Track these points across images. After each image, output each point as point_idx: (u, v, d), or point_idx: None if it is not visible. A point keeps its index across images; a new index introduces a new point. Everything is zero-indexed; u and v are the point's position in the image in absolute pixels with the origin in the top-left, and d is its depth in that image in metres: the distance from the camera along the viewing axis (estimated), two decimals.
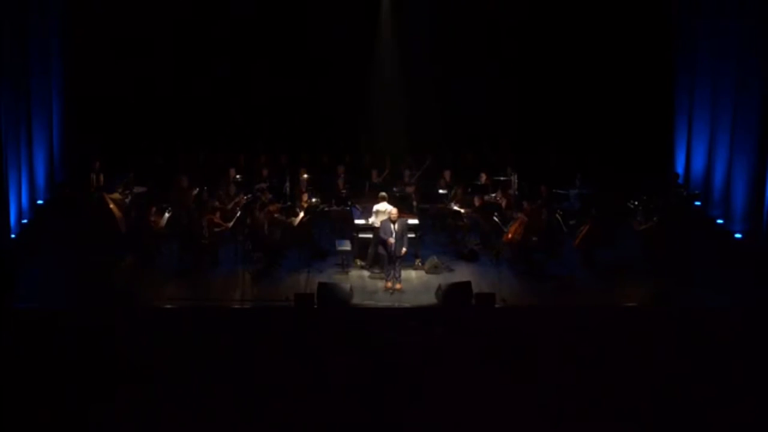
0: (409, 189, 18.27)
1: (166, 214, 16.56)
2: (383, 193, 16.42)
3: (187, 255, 16.20)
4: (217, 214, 16.43)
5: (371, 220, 16.22)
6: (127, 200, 17.35)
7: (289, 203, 17.47)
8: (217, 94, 21.60)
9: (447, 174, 18.89)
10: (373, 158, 20.37)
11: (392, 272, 15.31)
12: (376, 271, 16.01)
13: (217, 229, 16.25)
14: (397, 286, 15.30)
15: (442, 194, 18.22)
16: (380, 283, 15.60)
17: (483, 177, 18.66)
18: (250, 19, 21.46)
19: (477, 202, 17.29)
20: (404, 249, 15.31)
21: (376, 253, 15.99)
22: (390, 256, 15.25)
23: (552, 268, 16.13)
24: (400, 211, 15.64)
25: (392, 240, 15.13)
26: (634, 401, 11.47)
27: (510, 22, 21.39)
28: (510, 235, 16.18)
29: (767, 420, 11.18)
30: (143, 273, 15.85)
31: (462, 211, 17.18)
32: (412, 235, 15.98)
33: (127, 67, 21.05)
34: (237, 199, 17.37)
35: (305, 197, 17.24)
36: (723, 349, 12.68)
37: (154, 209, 16.43)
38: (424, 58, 21.32)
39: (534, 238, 15.97)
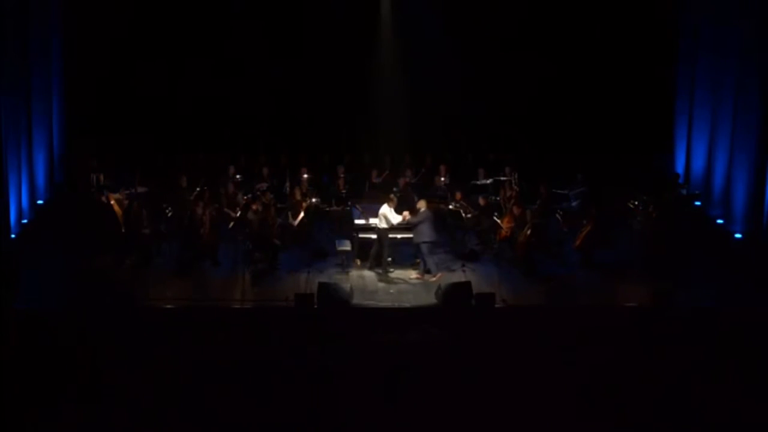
0: (402, 181, 18.35)
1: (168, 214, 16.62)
2: (391, 196, 16.38)
3: (187, 255, 16.21)
4: (210, 212, 16.39)
5: (373, 221, 16.20)
6: (126, 201, 17.35)
7: (289, 203, 17.47)
8: (217, 94, 21.59)
9: (443, 169, 18.94)
10: (373, 158, 20.37)
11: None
12: (378, 271, 16.02)
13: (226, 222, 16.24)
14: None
15: (441, 194, 18.23)
16: (380, 284, 15.62)
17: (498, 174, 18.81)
18: (250, 18, 21.46)
19: (482, 201, 17.29)
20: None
21: (378, 253, 16.01)
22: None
23: (552, 268, 16.13)
24: (400, 212, 15.75)
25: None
26: (634, 401, 11.47)
27: (509, 22, 21.38)
28: (503, 231, 16.23)
29: (766, 419, 11.19)
30: (143, 273, 15.85)
31: (463, 213, 17.18)
32: (411, 235, 16.09)
33: (127, 66, 21.06)
34: (237, 199, 17.42)
35: (297, 193, 17.25)
36: (723, 349, 12.68)
37: (135, 204, 16.40)
38: (424, 58, 21.29)
39: (533, 240, 15.96)
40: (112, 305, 14.23)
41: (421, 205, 15.90)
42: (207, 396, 11.49)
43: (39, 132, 18.60)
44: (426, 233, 15.63)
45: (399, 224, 15.87)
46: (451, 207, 17.37)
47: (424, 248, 15.66)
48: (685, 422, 11.10)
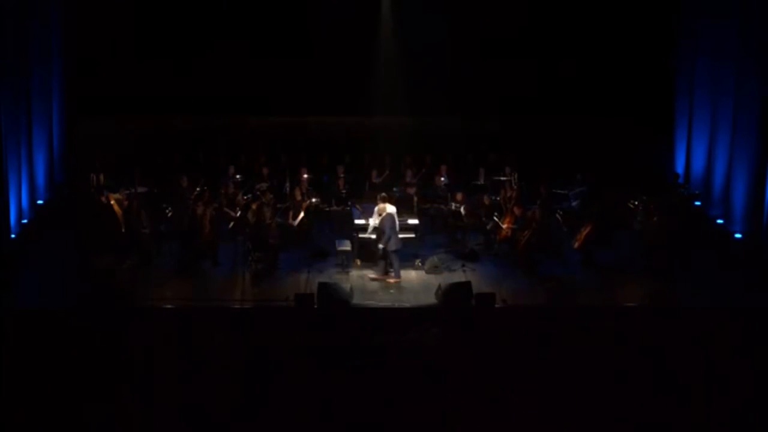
0: (410, 190, 18.30)
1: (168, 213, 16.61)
2: (383, 194, 16.37)
3: (187, 255, 16.21)
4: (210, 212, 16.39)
5: (372, 221, 16.19)
6: (126, 201, 17.33)
7: (288, 203, 17.48)
8: (217, 94, 21.59)
9: (443, 169, 18.94)
10: (373, 158, 20.37)
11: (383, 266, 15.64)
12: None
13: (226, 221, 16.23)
14: (390, 280, 15.52)
15: (441, 194, 18.22)
16: (380, 283, 15.61)
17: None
18: (250, 17, 21.46)
19: (486, 200, 17.28)
20: (394, 244, 15.43)
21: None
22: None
23: (552, 268, 16.13)
24: (400, 212, 15.70)
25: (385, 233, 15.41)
26: (634, 401, 11.48)
27: (509, 21, 21.38)
28: (504, 231, 16.24)
29: (767, 419, 11.19)
30: (143, 273, 15.85)
31: (463, 212, 17.16)
32: (411, 235, 16.17)
33: (127, 66, 21.05)
34: (237, 199, 17.43)
35: (297, 193, 17.26)
36: (723, 349, 12.68)
37: (135, 204, 16.40)
38: (424, 58, 21.30)
39: (533, 240, 15.97)
40: (113, 305, 14.23)
41: (383, 209, 15.68)
42: (206, 396, 11.49)
43: (39, 132, 18.59)
44: (393, 242, 15.53)
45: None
46: (451, 207, 17.34)
47: (392, 255, 15.61)
48: (685, 422, 11.10)
